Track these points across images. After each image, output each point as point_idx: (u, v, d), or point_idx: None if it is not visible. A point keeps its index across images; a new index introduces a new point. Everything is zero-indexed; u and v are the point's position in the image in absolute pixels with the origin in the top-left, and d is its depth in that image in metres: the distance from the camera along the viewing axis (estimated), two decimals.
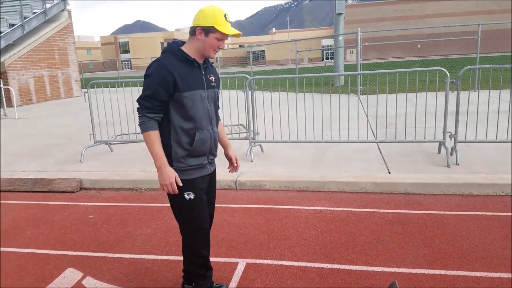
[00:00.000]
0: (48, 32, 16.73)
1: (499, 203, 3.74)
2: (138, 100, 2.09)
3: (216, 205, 4.03)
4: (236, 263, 2.86)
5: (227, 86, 9.59)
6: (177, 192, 2.09)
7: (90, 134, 6.33)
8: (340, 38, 14.71)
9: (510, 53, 32.47)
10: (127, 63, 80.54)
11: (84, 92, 6.10)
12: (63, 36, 17.71)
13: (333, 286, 2.52)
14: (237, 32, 2.11)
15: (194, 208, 2.19)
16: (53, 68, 17.14)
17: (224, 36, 2.07)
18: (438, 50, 49.58)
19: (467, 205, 3.75)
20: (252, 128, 5.59)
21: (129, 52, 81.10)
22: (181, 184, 2.09)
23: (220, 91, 2.40)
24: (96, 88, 6.64)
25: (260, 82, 9.71)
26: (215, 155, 2.32)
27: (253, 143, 5.58)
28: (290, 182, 4.43)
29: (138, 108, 2.10)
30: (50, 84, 16.96)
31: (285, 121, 6.83)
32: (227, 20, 2.04)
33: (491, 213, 3.53)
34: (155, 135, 2.07)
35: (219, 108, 2.33)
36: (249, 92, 5.53)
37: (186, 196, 2.15)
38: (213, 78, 2.22)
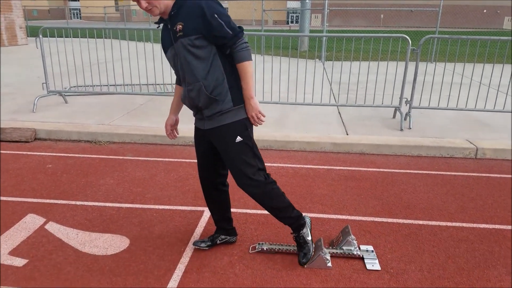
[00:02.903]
0: None
1: (444, 164, 4.09)
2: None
3: (181, 159, 4.08)
4: (202, 211, 2.96)
5: None
6: (167, 133, 2.33)
7: (42, 83, 5.99)
8: (307, 0, 14.57)
9: (466, 29, 33.86)
10: (76, 12, 74.47)
11: (36, 38, 5.69)
12: None
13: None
14: None
15: None
16: None
17: None
18: (400, 22, 50.60)
19: (415, 164, 4.06)
20: None
21: (79, 0, 74.68)
22: (169, 131, 2.33)
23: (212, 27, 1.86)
24: (50, 37, 6.21)
25: None
26: (203, 114, 2.08)
27: None
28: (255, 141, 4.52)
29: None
30: None
31: None
32: None
33: (436, 172, 3.86)
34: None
35: (198, 58, 1.90)
36: None
37: None
38: (179, 26, 1.85)
